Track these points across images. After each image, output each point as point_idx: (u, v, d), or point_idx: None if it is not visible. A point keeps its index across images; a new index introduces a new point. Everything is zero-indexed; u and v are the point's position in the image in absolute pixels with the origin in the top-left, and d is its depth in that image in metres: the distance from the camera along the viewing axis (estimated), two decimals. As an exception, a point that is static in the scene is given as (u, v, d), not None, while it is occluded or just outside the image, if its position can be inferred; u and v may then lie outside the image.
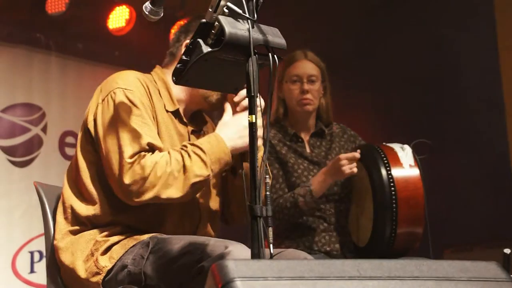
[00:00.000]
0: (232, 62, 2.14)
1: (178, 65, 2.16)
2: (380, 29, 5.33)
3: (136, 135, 2.48)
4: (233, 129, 2.57)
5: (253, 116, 2.04)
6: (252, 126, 2.06)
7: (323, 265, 1.68)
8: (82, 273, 2.51)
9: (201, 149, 2.50)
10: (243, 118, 2.52)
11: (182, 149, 2.52)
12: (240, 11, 2.09)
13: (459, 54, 4.95)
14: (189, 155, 2.48)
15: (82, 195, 2.60)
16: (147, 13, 2.29)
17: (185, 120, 2.73)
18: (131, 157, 2.44)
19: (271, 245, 2.05)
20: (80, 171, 2.61)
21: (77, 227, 2.59)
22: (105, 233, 2.54)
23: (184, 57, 2.15)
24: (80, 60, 5.69)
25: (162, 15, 2.31)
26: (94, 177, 2.59)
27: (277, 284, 1.61)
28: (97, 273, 2.49)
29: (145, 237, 2.51)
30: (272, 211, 3.49)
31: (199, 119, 2.83)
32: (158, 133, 2.59)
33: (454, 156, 4.79)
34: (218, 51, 2.08)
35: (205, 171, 2.49)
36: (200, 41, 2.10)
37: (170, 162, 2.45)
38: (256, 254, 1.95)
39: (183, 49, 2.70)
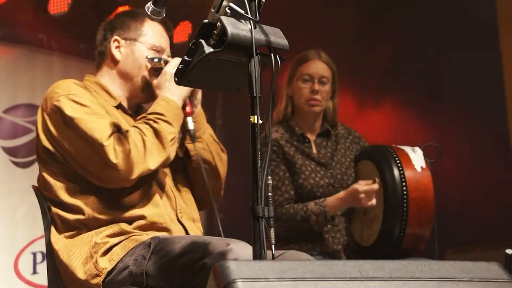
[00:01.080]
0: (234, 62, 2.14)
1: (180, 65, 2.16)
2: (381, 32, 5.32)
3: (100, 123, 2.53)
4: (168, 84, 2.68)
5: (255, 116, 2.04)
6: (254, 127, 2.05)
7: (325, 265, 1.68)
8: (81, 275, 2.51)
9: (158, 113, 2.62)
10: (168, 68, 2.68)
11: (143, 119, 2.61)
12: (242, 12, 2.08)
13: (462, 57, 4.95)
14: (153, 121, 2.59)
15: (62, 205, 2.61)
16: (149, 13, 2.29)
17: (129, 112, 2.79)
18: (107, 139, 2.49)
19: (272, 246, 2.04)
20: (51, 189, 2.62)
21: (71, 232, 2.59)
22: (103, 234, 2.54)
23: (186, 58, 2.15)
24: (82, 60, 5.68)
25: (164, 15, 2.31)
26: (65, 189, 2.60)
27: (278, 285, 1.61)
28: (97, 275, 2.48)
29: (146, 238, 2.51)
30: (278, 217, 3.51)
31: (141, 112, 2.87)
32: None
33: (456, 157, 4.78)
34: (220, 51, 2.08)
35: (173, 129, 2.61)
36: (202, 41, 2.10)
37: (142, 132, 2.55)
38: (258, 255, 1.95)
39: (111, 46, 2.75)
